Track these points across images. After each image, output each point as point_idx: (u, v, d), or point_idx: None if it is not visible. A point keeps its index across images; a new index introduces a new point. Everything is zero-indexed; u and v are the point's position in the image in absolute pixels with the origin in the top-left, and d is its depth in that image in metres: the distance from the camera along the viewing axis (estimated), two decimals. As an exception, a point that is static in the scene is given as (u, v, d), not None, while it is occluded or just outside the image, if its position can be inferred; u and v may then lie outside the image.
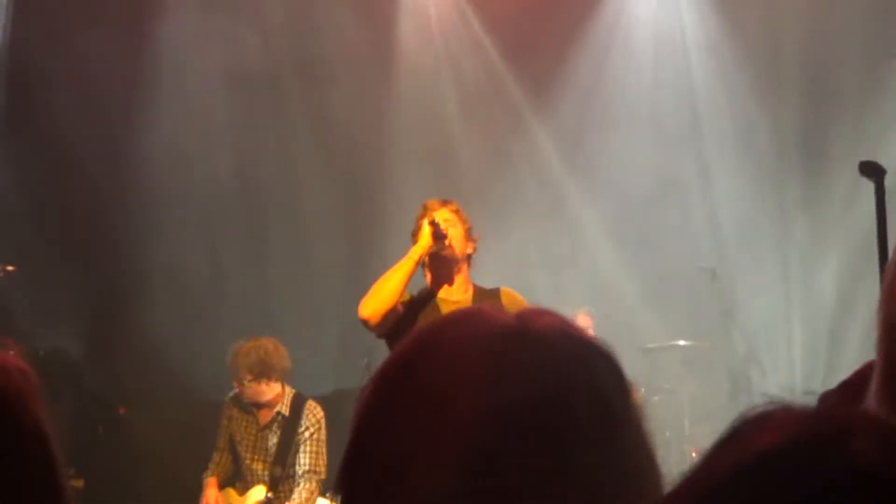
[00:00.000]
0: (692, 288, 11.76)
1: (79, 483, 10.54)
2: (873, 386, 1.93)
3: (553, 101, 12.30)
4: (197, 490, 9.58)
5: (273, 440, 8.27)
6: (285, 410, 8.31)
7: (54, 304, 11.81)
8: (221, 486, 8.89)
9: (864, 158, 5.83)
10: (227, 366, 8.76)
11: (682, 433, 11.04)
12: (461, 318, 1.65)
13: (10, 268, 10.89)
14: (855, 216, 9.83)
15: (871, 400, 1.93)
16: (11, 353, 2.26)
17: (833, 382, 2.39)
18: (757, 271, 11.88)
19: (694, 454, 10.71)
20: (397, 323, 7.34)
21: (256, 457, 8.51)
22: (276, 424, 8.21)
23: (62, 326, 11.75)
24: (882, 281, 2.02)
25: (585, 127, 12.34)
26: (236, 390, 8.50)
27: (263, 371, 8.22)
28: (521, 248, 11.58)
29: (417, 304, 7.48)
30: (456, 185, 11.33)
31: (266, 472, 8.43)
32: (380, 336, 7.43)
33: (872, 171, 5.82)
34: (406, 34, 12.31)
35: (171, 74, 11.98)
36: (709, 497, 1.09)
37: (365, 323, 7.32)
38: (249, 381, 8.25)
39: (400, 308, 7.29)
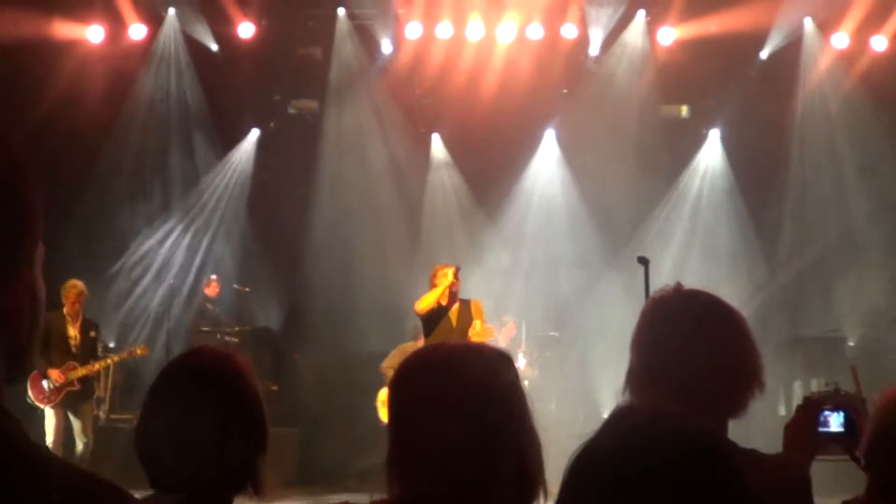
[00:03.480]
0: (561, 315, 18.29)
1: (275, 387, 16.91)
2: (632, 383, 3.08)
3: (496, 209, 19.13)
4: (333, 396, 16.14)
5: None
6: None
7: (266, 303, 18.68)
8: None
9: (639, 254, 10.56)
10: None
11: (551, 387, 16.78)
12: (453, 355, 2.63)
13: (246, 289, 17.90)
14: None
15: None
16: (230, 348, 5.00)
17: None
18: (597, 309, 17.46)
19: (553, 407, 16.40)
20: (431, 315, 12.07)
21: None
22: None
23: (270, 314, 18.83)
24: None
25: (523, 229, 19.18)
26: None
27: None
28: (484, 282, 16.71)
29: (439, 310, 12.12)
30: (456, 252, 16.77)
31: None
32: (423, 321, 12.25)
33: (643, 261, 10.09)
34: (431, 182, 19.43)
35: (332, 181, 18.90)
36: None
37: (417, 313, 12.29)
38: None
39: (434, 308, 12.04)
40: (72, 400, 13.64)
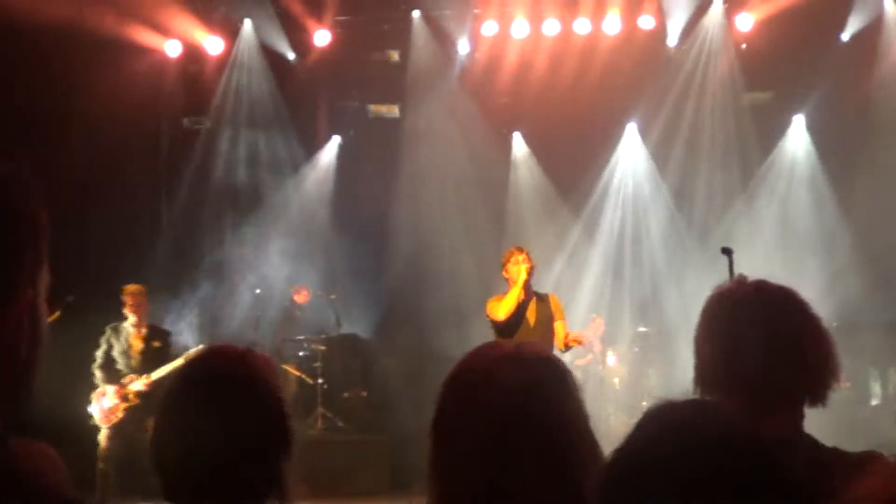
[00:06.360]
0: (650, 309, 18.16)
1: (364, 393, 17.38)
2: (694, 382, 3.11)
3: (580, 204, 19.15)
4: (425, 401, 16.72)
5: None
6: None
7: (353, 310, 18.68)
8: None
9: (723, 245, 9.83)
10: None
11: (641, 383, 17.00)
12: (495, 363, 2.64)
13: (332, 296, 17.67)
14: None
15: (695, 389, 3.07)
16: (258, 350, 3.14)
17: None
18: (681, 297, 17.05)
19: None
20: (510, 319, 11.09)
21: None
22: None
23: (358, 321, 18.90)
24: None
25: (608, 224, 19.10)
26: None
27: None
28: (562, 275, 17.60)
29: (518, 310, 11.16)
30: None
31: None
32: (498, 326, 11.19)
33: (727, 251, 9.46)
34: (514, 182, 19.53)
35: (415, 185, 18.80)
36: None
37: (496, 320, 11.18)
38: None
39: (514, 311, 11.08)
40: (136, 417, 12.89)
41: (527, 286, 11.35)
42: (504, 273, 11.51)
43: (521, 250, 11.52)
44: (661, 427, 1.98)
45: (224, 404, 2.97)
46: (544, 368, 2.67)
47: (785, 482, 1.87)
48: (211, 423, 2.93)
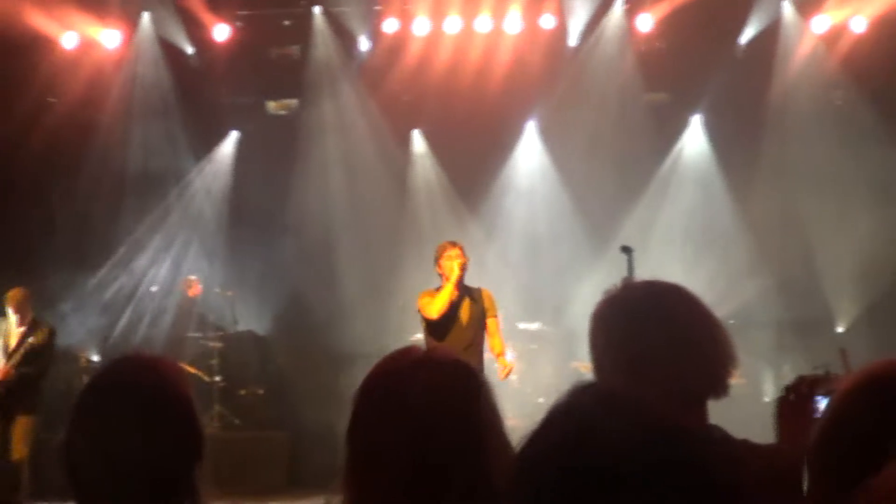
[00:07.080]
0: (548, 307, 18.05)
1: (261, 391, 17.16)
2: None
3: (479, 203, 18.84)
4: (323, 399, 15.31)
5: None
6: None
7: (250, 307, 18.40)
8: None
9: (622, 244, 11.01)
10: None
11: (538, 380, 16.80)
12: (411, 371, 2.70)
13: (230, 293, 17.56)
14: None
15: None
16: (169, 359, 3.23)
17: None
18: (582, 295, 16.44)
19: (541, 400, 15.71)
20: (442, 318, 11.10)
21: None
22: None
23: (255, 318, 18.60)
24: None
25: (506, 223, 18.92)
26: None
27: None
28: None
29: (451, 308, 11.17)
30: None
31: None
32: (431, 324, 11.22)
33: (626, 250, 10.70)
34: (413, 179, 19.37)
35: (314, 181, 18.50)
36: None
37: (429, 318, 11.19)
38: None
39: (447, 310, 11.07)
40: (6, 412, 12.96)
41: (459, 283, 11.31)
42: (437, 268, 11.47)
43: (454, 245, 11.47)
44: (568, 421, 1.89)
45: (137, 413, 2.99)
46: (457, 372, 2.75)
47: (699, 469, 1.80)
48: (124, 431, 2.95)
